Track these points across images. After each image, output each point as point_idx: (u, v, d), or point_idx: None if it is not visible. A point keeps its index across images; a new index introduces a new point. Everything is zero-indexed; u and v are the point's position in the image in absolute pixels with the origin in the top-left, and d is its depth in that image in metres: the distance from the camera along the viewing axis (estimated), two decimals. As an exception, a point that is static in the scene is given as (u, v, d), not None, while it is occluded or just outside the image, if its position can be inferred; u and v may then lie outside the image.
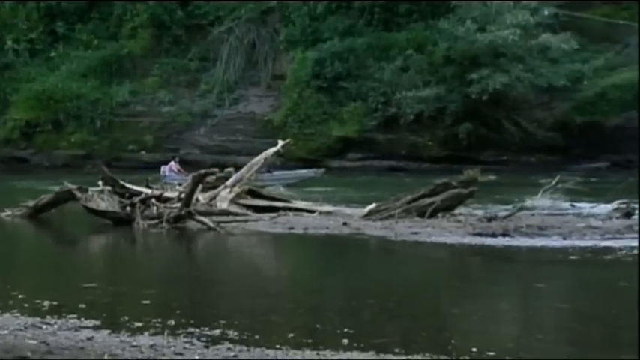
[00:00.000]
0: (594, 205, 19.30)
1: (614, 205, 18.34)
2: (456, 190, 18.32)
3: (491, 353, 7.86)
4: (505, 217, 17.46)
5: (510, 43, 33.41)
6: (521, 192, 22.12)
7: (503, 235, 15.90)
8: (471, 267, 14.34)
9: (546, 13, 34.09)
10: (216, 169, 19.96)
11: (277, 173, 28.08)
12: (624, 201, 18.58)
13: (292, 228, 17.15)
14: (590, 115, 33.40)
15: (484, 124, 34.61)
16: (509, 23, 33.61)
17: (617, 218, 17.09)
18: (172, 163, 32.14)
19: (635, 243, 14.53)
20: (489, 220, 17.37)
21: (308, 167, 30.83)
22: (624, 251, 14.04)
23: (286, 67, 38.63)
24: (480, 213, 18.47)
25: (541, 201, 19.39)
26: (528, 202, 18.97)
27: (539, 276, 12.36)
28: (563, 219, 17.50)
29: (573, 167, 30.41)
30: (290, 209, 18.82)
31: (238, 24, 39.56)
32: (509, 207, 18.70)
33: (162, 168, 31.75)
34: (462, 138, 34.53)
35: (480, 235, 15.99)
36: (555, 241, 15.23)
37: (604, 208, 18.47)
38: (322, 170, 28.86)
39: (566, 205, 19.67)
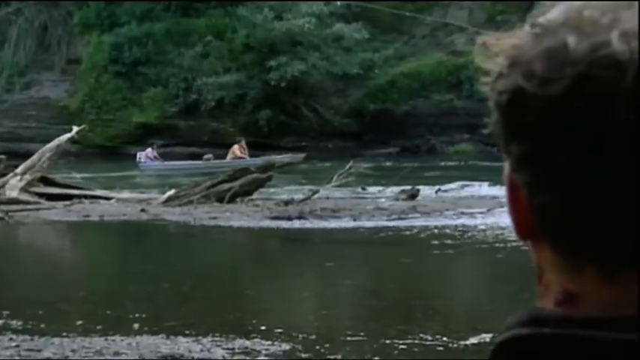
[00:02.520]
0: (383, 188, 20.22)
1: (401, 187, 19.36)
2: (254, 175, 18.69)
3: (279, 330, 8.22)
4: (301, 201, 18.01)
5: (306, 31, 34.19)
6: (317, 176, 22.82)
7: (299, 218, 16.41)
8: (267, 249, 14.75)
9: (339, 3, 35.12)
10: (3, 156, 19.24)
11: (257, 159, 27.51)
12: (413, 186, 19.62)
13: (88, 215, 16.90)
14: (381, 102, 34.79)
15: (283, 111, 35.27)
16: (305, 12, 34.38)
17: (403, 200, 18.02)
18: (149, 149, 30.46)
19: (416, 223, 15.49)
20: (286, 204, 17.85)
21: (118, 155, 30.24)
22: (408, 231, 14.89)
23: (82, 51, 37.64)
24: (277, 197, 18.92)
25: (335, 185, 20.12)
26: (323, 187, 19.62)
27: (330, 256, 12.93)
28: (355, 202, 18.27)
29: (367, 152, 31.60)
30: (86, 196, 18.50)
31: (27, 5, 38.06)
32: (306, 191, 19.27)
33: (139, 154, 30.24)
34: (263, 124, 35.02)
35: (277, 218, 16.42)
36: (347, 223, 15.91)
37: (391, 191, 19.41)
38: (301, 155, 27.76)
39: (358, 188, 20.50)
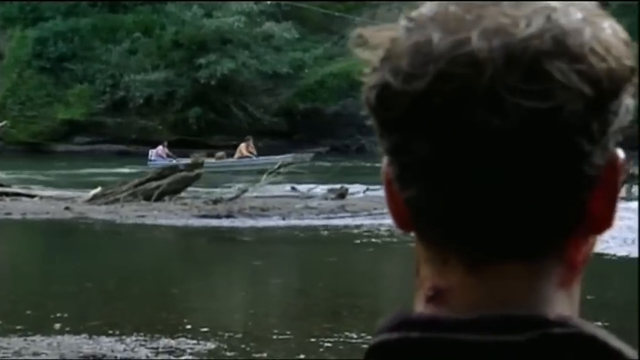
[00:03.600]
0: (312, 187, 20.25)
1: (329, 186, 19.41)
2: (182, 174, 18.51)
3: (205, 329, 8.15)
4: (230, 200, 17.90)
5: (236, 29, 34.05)
6: (247, 175, 22.73)
7: (228, 216, 16.32)
8: (194, 248, 14.62)
9: (269, 2, 35.09)
10: None
11: (262, 158, 27.00)
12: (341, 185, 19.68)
13: (9, 213, 16.51)
14: (311, 101, 34.86)
15: (213, 109, 35.06)
16: (235, 10, 34.24)
17: (332, 199, 18.07)
18: (160, 147, 29.54)
19: (344, 222, 15.55)
20: (215, 202, 17.73)
21: (42, 152, 29.50)
22: (337, 230, 14.93)
23: (4, 45, 36.82)
24: (206, 196, 18.79)
25: (265, 183, 20.06)
26: (253, 185, 19.55)
27: (259, 254, 12.88)
28: (284, 200, 18.24)
29: (297, 151, 31.61)
30: (7, 194, 18.08)
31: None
32: (235, 189, 19.17)
33: (150, 152, 29.18)
34: (192, 122, 34.76)
35: (205, 217, 16.30)
36: (276, 222, 15.88)
37: (320, 190, 19.44)
38: (310, 154, 27.22)
39: (288, 187, 20.48)
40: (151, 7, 36.65)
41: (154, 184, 18.25)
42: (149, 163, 27.54)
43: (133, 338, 7.85)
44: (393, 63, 0.66)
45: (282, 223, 15.79)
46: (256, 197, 18.40)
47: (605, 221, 0.69)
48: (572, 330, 0.66)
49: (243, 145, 28.66)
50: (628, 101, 0.67)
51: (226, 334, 8.04)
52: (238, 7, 34.28)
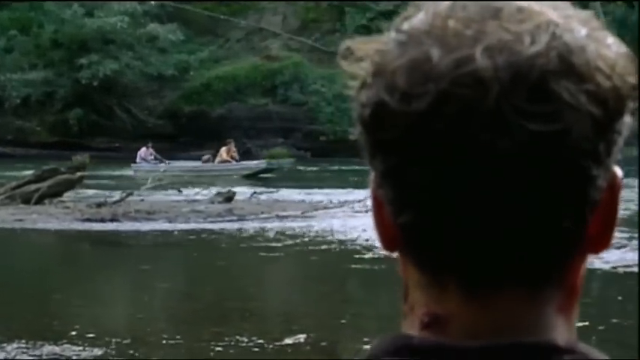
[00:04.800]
0: (199, 190, 20.08)
1: (216, 190, 19.31)
2: (64, 176, 18.04)
3: (91, 335, 7.95)
4: (114, 203, 17.55)
5: (119, 30, 33.45)
6: (128, 180, 22.34)
7: (112, 220, 15.99)
8: (78, 253, 14.26)
9: (153, 2, 34.62)
10: None
11: (242, 163, 25.79)
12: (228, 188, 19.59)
13: None
14: (197, 104, 34.58)
15: (95, 111, 34.33)
16: (117, 10, 33.64)
17: (219, 202, 17.96)
18: (143, 149, 27.75)
19: (232, 225, 15.49)
20: (99, 205, 17.35)
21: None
22: (224, 233, 14.83)
23: None
24: (89, 199, 18.36)
25: (150, 187, 19.77)
26: (138, 189, 19.24)
27: (145, 258, 12.66)
28: (171, 204, 18.01)
29: (182, 155, 31.29)
30: None
31: None
32: (119, 193, 18.81)
33: (139, 154, 27.44)
34: (73, 124, 33.96)
35: (88, 220, 15.93)
36: (162, 225, 15.66)
37: (208, 194, 19.30)
38: (291, 160, 26.37)
39: (174, 190, 20.25)
40: (28, 5, 35.56)
41: (33, 186, 17.71)
42: (133, 166, 26.56)
43: (14, 345, 7.58)
44: (387, 80, 0.62)
45: (168, 226, 15.58)
46: (142, 200, 18.11)
47: (603, 242, 0.66)
48: (581, 357, 0.64)
49: (224, 149, 27.81)
50: (628, 119, 0.65)
51: (113, 340, 7.86)
52: (121, 7, 33.67)
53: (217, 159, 27.22)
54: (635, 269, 10.79)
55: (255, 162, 26.39)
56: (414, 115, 0.61)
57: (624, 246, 12.18)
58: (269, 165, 25.61)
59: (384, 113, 0.62)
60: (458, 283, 0.64)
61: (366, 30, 34.38)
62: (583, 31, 0.63)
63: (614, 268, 10.81)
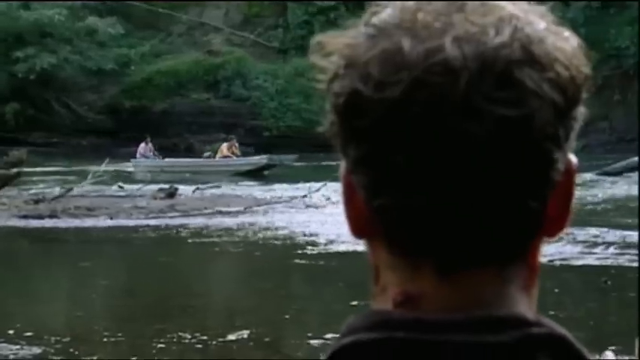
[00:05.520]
0: (141, 186, 19.87)
1: (158, 186, 19.13)
2: (0, 172, 17.69)
3: (29, 334, 7.81)
4: (53, 199, 17.28)
5: (57, 23, 32.90)
6: (72, 174, 22.03)
7: (51, 216, 15.74)
8: (14, 250, 14.00)
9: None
10: None
11: (242, 159, 25.00)
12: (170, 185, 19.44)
13: None
14: (138, 99, 34.20)
15: (33, 105, 33.74)
16: (54, 3, 33.10)
17: (161, 198, 17.79)
18: (142, 144, 26.80)
19: (174, 221, 15.37)
20: (37, 202, 17.07)
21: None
22: (167, 229, 14.70)
23: None
24: (27, 195, 18.05)
25: (90, 183, 19.51)
26: (78, 184, 18.97)
27: (85, 255, 12.48)
28: (112, 200, 17.79)
29: (123, 151, 30.94)
30: None
31: None
32: (58, 189, 18.52)
33: (138, 149, 26.49)
34: (9, 118, 33.34)
35: (25, 217, 15.66)
36: (103, 222, 15.46)
37: (149, 189, 19.12)
38: (294, 156, 25.47)
39: (115, 186, 20.02)
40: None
41: (-33, 183, 17.34)
42: (132, 161, 25.98)
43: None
44: (361, 70, 0.66)
45: (109, 223, 15.39)
46: (82, 197, 17.86)
47: (560, 224, 0.71)
48: (547, 330, 0.68)
49: (225, 145, 27.15)
50: (582, 108, 0.70)
51: (53, 338, 7.73)
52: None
53: (218, 155, 26.89)
54: (572, 262, 10.99)
55: (256, 158, 26.09)
56: (388, 101, 0.65)
57: (561, 239, 12.39)
58: (270, 161, 25.44)
59: (359, 101, 0.66)
60: (432, 263, 0.67)
61: (309, 25, 34.40)
62: (542, 24, 0.67)
63: (551, 261, 10.98)
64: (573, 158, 0.71)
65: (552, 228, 0.70)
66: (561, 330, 0.69)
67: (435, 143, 0.65)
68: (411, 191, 0.66)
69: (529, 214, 0.68)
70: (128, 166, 26.11)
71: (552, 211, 0.69)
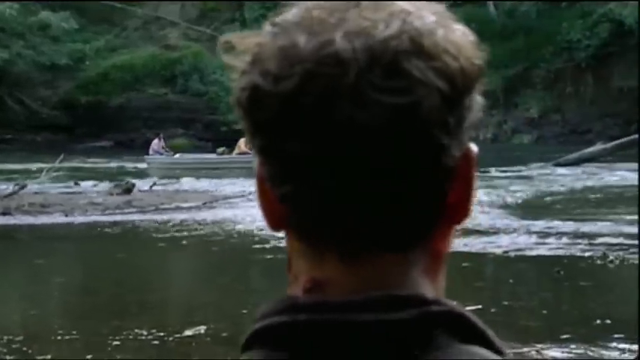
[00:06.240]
0: (97, 182, 19.69)
1: (115, 182, 18.97)
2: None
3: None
4: (6, 196, 17.05)
5: (8, 17, 32.42)
6: (25, 170, 21.76)
7: (4, 214, 15.55)
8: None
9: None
10: None
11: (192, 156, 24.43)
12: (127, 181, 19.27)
13: None
14: (93, 94, 33.86)
15: (-14, 102, 33.26)
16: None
17: (117, 194, 17.64)
18: (155, 140, 26.06)
19: (131, 217, 15.25)
20: (-11, 199, 16.82)
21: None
22: (123, 225, 14.58)
23: None
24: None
25: (45, 179, 19.29)
26: (32, 181, 18.74)
27: (40, 253, 12.34)
28: (67, 197, 17.60)
29: (79, 146, 30.64)
30: None
31: None
32: (12, 186, 18.28)
33: (151, 146, 25.82)
34: (-41, 115, 32.82)
35: (-23, 215, 15.44)
36: (57, 219, 15.29)
37: (105, 186, 18.95)
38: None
39: (71, 183, 19.81)
40: None
41: None
42: (146, 158, 25.50)
43: None
44: (261, 66, 0.70)
45: (64, 220, 15.23)
46: (36, 193, 17.65)
47: (463, 211, 0.73)
48: (446, 308, 0.71)
49: (242, 141, 26.48)
50: (478, 99, 0.73)
51: (5, 337, 7.63)
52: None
53: (235, 151, 26.52)
54: (526, 252, 11.11)
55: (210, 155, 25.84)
56: (283, 94, 0.68)
57: (515, 230, 12.53)
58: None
59: (259, 95, 0.69)
60: (334, 250, 0.71)
61: (265, 20, 34.24)
62: (432, 18, 0.71)
63: (506, 252, 11.10)
64: (473, 147, 0.73)
65: (456, 215, 0.73)
66: (461, 309, 0.71)
67: (327, 132, 0.68)
68: (308, 180, 0.69)
69: (425, 200, 0.70)
70: (85, 162, 25.87)
71: (453, 197, 0.72)
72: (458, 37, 0.71)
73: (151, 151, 27.00)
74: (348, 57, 0.67)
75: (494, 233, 12.33)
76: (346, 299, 0.70)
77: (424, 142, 0.69)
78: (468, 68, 0.70)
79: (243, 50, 0.71)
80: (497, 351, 0.72)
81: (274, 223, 0.73)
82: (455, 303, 0.71)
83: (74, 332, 7.90)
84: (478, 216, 13.86)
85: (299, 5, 0.72)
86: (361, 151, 0.68)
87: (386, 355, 0.69)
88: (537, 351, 6.77)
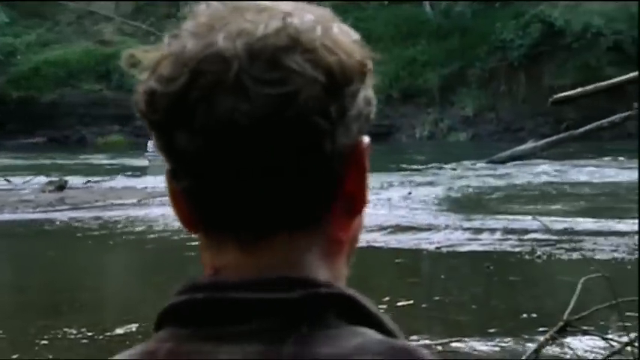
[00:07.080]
0: (28, 179, 19.36)
1: (48, 179, 18.67)
2: None
3: None
4: None
5: None
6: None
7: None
8: None
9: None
10: None
11: None
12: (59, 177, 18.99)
13: None
14: (25, 90, 33.24)
15: None
16: None
17: (50, 191, 17.37)
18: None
19: (64, 215, 15.03)
20: None
21: None
22: (56, 223, 14.36)
23: None
24: None
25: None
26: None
27: (-32, 252, 12.07)
28: (-3, 194, 17.28)
29: (10, 143, 30.07)
30: None
31: None
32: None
33: (149, 143, 24.13)
34: None
35: None
36: (-14, 216, 14.99)
37: (37, 182, 18.64)
38: None
39: (1, 179, 19.45)
40: None
41: None
42: (147, 154, 24.76)
43: None
44: (158, 72, 0.77)
45: (-7, 217, 14.96)
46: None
47: (359, 199, 0.78)
48: (336, 290, 0.76)
49: None
50: (369, 93, 0.78)
51: None
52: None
53: None
54: (458, 248, 11.25)
55: None
56: (173, 93, 0.75)
57: (448, 227, 12.67)
58: None
59: (154, 98, 0.76)
60: (234, 239, 0.76)
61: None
62: (311, 17, 0.77)
63: (439, 248, 11.22)
64: (365, 138, 0.78)
65: (354, 203, 0.78)
66: (353, 292, 0.77)
67: (213, 125, 0.73)
68: (199, 172, 0.74)
69: (313, 184, 0.75)
70: (16, 159, 25.41)
71: (349, 187, 0.77)
72: (336, 33, 0.77)
73: (150, 148, 26.62)
74: (230, 55, 0.73)
75: (428, 230, 12.46)
76: (239, 279, 0.75)
77: (304, 128, 0.74)
78: (347, 62, 0.75)
79: (147, 65, 0.78)
80: (389, 333, 0.75)
81: (187, 223, 0.78)
82: (347, 287, 0.76)
83: (0, 332, 7.76)
84: (412, 213, 13.99)
85: (194, 16, 0.78)
86: (246, 141, 0.72)
87: (276, 331, 0.74)
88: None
